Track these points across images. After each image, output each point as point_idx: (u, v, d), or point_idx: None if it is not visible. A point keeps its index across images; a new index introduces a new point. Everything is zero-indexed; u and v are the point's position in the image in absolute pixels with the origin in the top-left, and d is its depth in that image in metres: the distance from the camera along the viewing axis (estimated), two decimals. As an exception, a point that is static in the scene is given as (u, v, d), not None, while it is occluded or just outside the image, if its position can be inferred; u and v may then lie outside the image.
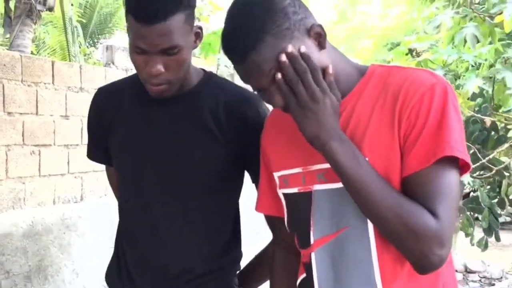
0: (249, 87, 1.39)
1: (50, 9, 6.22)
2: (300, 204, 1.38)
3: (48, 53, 9.28)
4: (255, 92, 1.34)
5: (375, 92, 1.31)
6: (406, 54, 4.01)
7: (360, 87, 1.34)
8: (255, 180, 1.68)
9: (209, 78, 1.74)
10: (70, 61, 7.20)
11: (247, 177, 1.76)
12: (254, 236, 3.21)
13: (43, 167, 4.06)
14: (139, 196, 1.71)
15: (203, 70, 1.77)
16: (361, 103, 1.31)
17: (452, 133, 1.22)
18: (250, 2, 1.28)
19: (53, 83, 4.09)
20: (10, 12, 6.11)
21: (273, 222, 1.58)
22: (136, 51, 1.51)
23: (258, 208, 1.56)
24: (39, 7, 5.97)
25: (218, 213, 1.72)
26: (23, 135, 3.87)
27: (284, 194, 1.44)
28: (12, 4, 6.17)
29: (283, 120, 1.43)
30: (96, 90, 1.88)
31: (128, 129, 1.72)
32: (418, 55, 3.98)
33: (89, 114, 1.87)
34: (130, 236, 1.78)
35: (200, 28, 1.61)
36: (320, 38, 1.28)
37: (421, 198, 1.20)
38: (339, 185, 1.28)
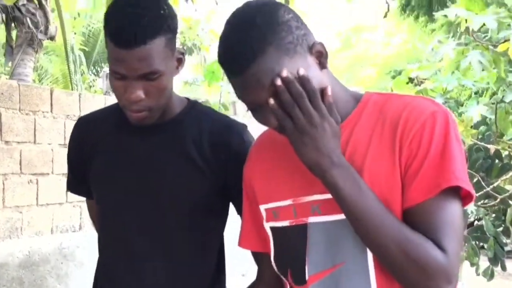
0: (235, 115, 1.32)
1: (52, 38, 6.23)
2: (292, 238, 1.30)
3: (50, 82, 9.31)
4: (249, 112, 1.26)
5: (371, 120, 1.26)
6: (407, 83, 3.98)
7: (356, 114, 1.28)
8: (240, 211, 1.63)
9: (192, 106, 1.68)
10: (72, 89, 7.21)
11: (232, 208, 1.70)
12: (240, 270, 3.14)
13: (41, 196, 4.02)
14: (119, 228, 1.65)
15: (187, 98, 1.72)
16: (357, 130, 1.26)
17: (455, 162, 1.17)
18: (251, 12, 1.21)
19: (51, 111, 4.08)
20: (12, 41, 6.12)
21: (258, 257, 1.50)
22: (115, 76, 1.46)
23: (241, 243, 1.48)
24: (40, 36, 5.97)
25: (202, 246, 1.65)
26: (20, 164, 3.85)
27: (272, 228, 1.36)
28: (13, 33, 6.19)
29: (269, 149, 1.37)
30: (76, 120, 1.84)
31: (108, 159, 1.66)
32: (419, 83, 3.94)
33: (69, 145, 1.81)
34: (109, 272, 1.70)
35: (183, 53, 1.57)
36: (321, 57, 1.22)
37: (425, 231, 1.15)
38: (336, 217, 1.22)
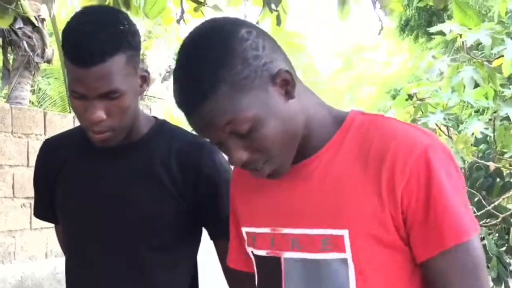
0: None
1: (48, 61, 6.23)
2: (270, 269, 1.21)
3: (48, 105, 9.31)
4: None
5: (355, 146, 1.13)
6: (406, 100, 3.94)
7: (338, 139, 1.15)
8: (213, 236, 1.56)
9: (161, 125, 1.60)
10: (70, 112, 7.19)
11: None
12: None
13: (35, 220, 3.95)
14: (87, 254, 1.57)
15: (155, 117, 1.65)
16: (339, 159, 1.13)
17: (466, 203, 1.07)
18: (203, 43, 1.08)
19: (45, 134, 4.04)
20: (8, 65, 6.12)
21: (238, 276, 1.41)
22: (74, 95, 1.39)
23: (230, 262, 1.40)
24: (37, 59, 5.97)
25: (172, 273, 1.57)
26: (13, 188, 3.81)
27: (252, 253, 1.27)
28: (10, 57, 6.19)
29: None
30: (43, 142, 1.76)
31: (73, 183, 1.59)
32: (419, 100, 3.90)
33: (35, 168, 1.72)
34: None
35: (147, 71, 1.50)
36: (287, 86, 1.09)
37: (455, 283, 1.06)
38: (316, 256, 1.12)
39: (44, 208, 1.72)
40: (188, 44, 1.11)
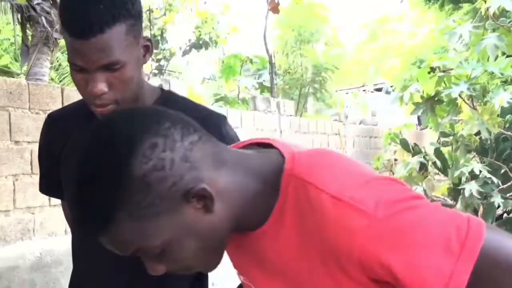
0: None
1: (67, 36, 6.19)
2: None
3: (68, 80, 9.32)
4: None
5: (295, 226, 0.97)
6: (429, 73, 3.83)
7: (278, 214, 0.99)
8: None
9: (166, 97, 1.54)
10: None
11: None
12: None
13: (54, 196, 3.96)
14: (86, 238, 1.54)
15: (161, 88, 1.59)
16: (283, 239, 0.99)
17: (440, 233, 0.86)
18: (98, 161, 0.90)
19: (62, 110, 4.01)
20: (27, 41, 6.09)
21: None
22: (74, 68, 1.35)
23: None
24: (55, 34, 5.93)
25: None
26: (31, 164, 3.78)
27: None
28: (29, 33, 6.17)
29: None
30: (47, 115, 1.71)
31: None
32: (443, 72, 3.77)
33: (39, 143, 1.69)
34: (77, 284, 1.61)
35: (150, 40, 1.44)
36: (204, 201, 0.93)
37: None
38: None
39: (49, 184, 1.70)
40: (80, 162, 0.93)
